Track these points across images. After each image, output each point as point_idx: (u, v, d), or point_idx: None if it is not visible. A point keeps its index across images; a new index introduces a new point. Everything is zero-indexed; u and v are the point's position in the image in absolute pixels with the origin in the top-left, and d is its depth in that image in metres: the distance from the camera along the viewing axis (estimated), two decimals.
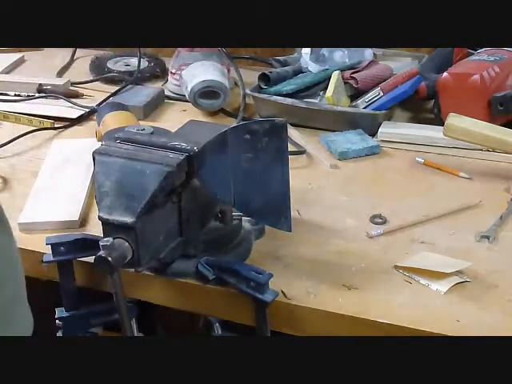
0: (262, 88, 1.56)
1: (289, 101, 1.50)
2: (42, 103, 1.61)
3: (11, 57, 1.83)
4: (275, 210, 1.06)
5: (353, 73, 1.53)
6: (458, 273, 1.05)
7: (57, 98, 1.62)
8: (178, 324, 1.48)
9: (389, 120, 1.49)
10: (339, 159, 1.38)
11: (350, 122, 1.46)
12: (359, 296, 1.02)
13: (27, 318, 0.83)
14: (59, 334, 1.14)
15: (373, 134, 1.44)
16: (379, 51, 1.67)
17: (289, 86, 1.53)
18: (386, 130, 1.44)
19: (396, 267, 1.07)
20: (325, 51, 1.60)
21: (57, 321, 1.13)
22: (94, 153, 0.99)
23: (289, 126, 1.50)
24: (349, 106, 1.50)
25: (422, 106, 1.56)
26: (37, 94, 1.63)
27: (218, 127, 1.24)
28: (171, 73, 1.68)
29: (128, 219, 0.93)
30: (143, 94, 1.62)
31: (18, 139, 1.45)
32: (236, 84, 1.64)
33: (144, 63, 1.76)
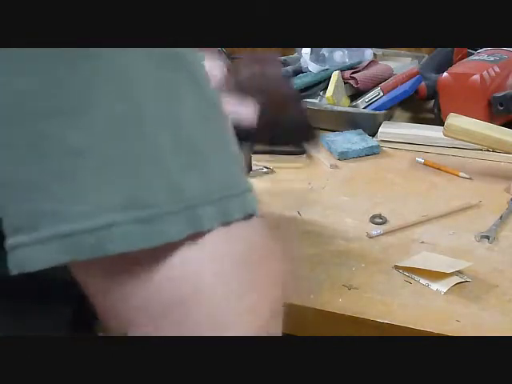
0: None
1: None
2: None
3: None
4: None
5: (353, 73, 1.53)
6: (458, 273, 1.05)
7: None
8: None
9: (389, 120, 1.49)
10: (339, 159, 1.38)
11: (350, 121, 1.46)
12: (359, 296, 1.02)
13: None
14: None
15: (373, 134, 1.44)
16: (379, 51, 1.67)
17: None
18: (386, 129, 1.44)
19: (396, 267, 1.07)
20: (325, 51, 1.60)
21: None
22: None
23: None
24: (349, 106, 1.50)
25: (422, 106, 1.56)
26: None
27: None
28: None
29: None
30: None
31: None
32: None
33: None
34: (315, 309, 1.00)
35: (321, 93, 1.54)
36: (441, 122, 1.37)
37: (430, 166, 1.35)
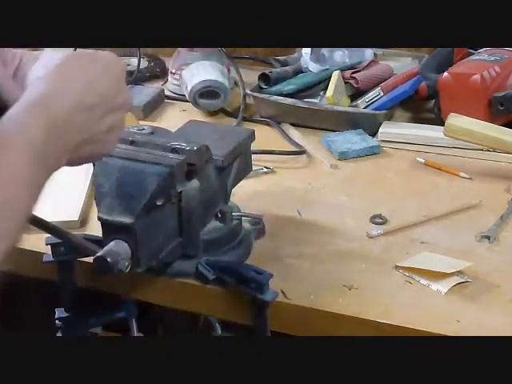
0: (261, 88, 1.55)
1: (289, 101, 1.50)
2: None
3: None
4: None
5: (353, 73, 1.52)
6: (459, 273, 1.05)
7: None
8: (177, 324, 1.48)
9: (389, 120, 1.49)
10: (339, 159, 1.38)
11: (350, 121, 1.46)
12: (359, 296, 1.02)
13: None
14: (59, 334, 1.14)
15: (373, 134, 1.44)
16: (379, 51, 1.67)
17: (289, 85, 1.53)
18: (386, 129, 1.44)
19: (396, 267, 1.07)
20: (325, 51, 1.60)
21: (57, 321, 1.13)
22: None
23: (289, 125, 1.50)
24: (349, 106, 1.50)
25: (422, 105, 1.56)
26: None
27: (217, 127, 1.24)
28: (171, 73, 1.68)
29: (127, 220, 0.93)
30: (143, 93, 1.62)
31: None
32: (236, 84, 1.64)
33: (144, 63, 1.76)
34: (315, 309, 1.00)
35: (321, 93, 1.54)
36: (441, 122, 1.37)
37: (430, 166, 1.35)
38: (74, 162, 0.77)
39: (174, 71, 1.67)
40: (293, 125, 1.49)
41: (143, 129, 1.06)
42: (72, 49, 0.81)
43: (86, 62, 0.80)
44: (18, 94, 0.83)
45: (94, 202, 0.98)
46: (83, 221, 1.19)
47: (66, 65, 0.78)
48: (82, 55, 0.81)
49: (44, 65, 0.78)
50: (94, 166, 0.98)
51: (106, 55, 0.82)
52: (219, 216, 1.07)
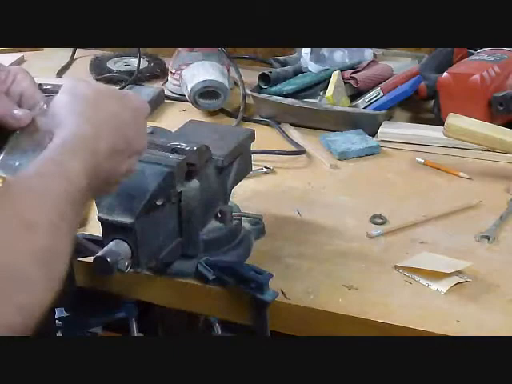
0: (261, 88, 1.55)
1: (289, 101, 1.50)
2: None
3: (11, 57, 1.83)
4: None
5: (353, 73, 1.52)
6: (458, 273, 1.05)
7: None
8: (177, 324, 1.48)
9: (389, 120, 1.49)
10: (339, 159, 1.38)
11: (350, 121, 1.46)
12: (359, 296, 1.02)
13: None
14: (59, 334, 1.14)
15: (373, 134, 1.44)
16: (379, 51, 1.67)
17: (289, 85, 1.53)
18: (386, 129, 1.44)
19: (396, 267, 1.07)
20: (325, 51, 1.60)
21: (57, 321, 1.13)
22: None
23: (289, 125, 1.50)
24: (349, 106, 1.50)
25: (422, 105, 1.56)
26: None
27: (217, 127, 1.24)
28: (171, 73, 1.68)
29: (127, 220, 0.93)
30: (143, 93, 1.61)
31: None
32: (236, 84, 1.64)
33: (144, 63, 1.76)
34: (315, 309, 1.00)
35: (321, 93, 1.54)
36: (441, 122, 1.37)
37: (429, 166, 1.35)
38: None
39: (174, 71, 1.67)
40: (292, 125, 1.49)
41: None
42: (93, 80, 0.81)
43: (116, 102, 0.81)
44: (10, 109, 0.84)
45: (94, 201, 0.98)
46: (83, 221, 1.19)
47: (97, 104, 0.79)
48: (111, 93, 0.82)
49: (71, 95, 0.78)
50: None
51: (133, 98, 0.83)
52: (219, 216, 1.07)
